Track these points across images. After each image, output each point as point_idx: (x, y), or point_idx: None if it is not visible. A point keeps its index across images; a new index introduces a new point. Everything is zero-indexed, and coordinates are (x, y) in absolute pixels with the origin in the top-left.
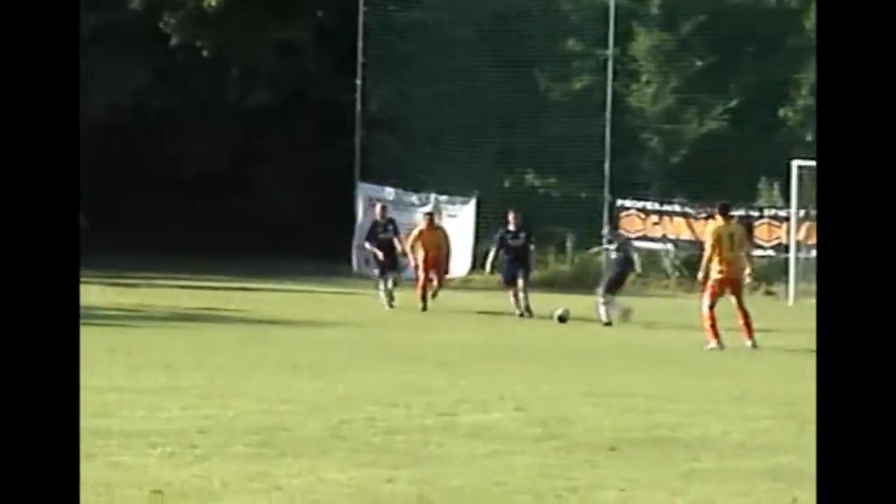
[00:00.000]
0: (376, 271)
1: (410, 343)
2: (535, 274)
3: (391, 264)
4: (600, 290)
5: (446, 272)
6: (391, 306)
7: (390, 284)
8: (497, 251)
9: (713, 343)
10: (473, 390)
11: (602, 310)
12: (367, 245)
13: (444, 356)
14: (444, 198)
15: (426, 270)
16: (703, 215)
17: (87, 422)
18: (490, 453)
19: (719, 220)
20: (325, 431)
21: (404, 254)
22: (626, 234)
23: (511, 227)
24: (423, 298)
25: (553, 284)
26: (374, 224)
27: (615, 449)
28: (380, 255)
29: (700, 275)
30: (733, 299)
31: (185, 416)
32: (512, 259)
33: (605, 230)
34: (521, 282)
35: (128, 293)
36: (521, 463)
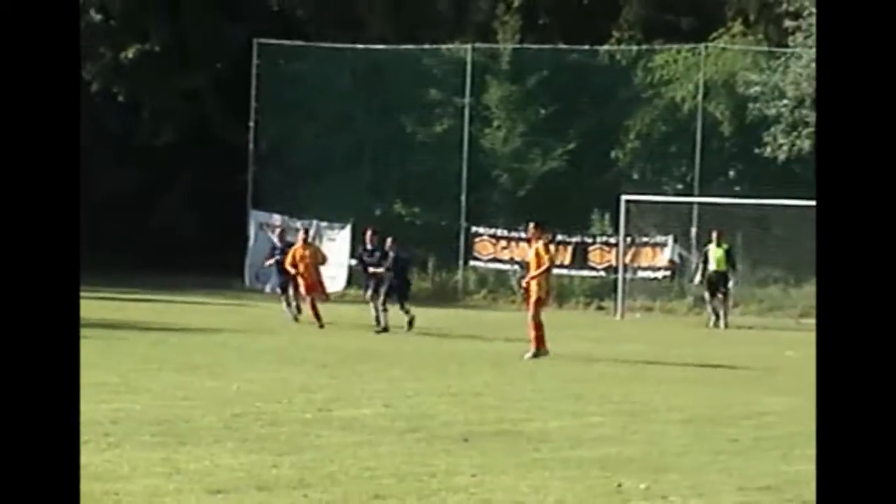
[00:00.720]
0: (278, 289)
1: (293, 348)
2: None
3: (285, 282)
4: (381, 298)
5: (321, 283)
6: (297, 320)
7: (292, 300)
8: (364, 267)
9: (543, 350)
10: (347, 389)
11: (382, 316)
12: (267, 263)
13: (322, 360)
14: (324, 223)
15: (308, 292)
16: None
17: None
18: (361, 443)
19: (544, 239)
20: (219, 423)
21: (286, 270)
22: (405, 249)
23: (368, 246)
24: (317, 317)
25: (415, 299)
26: (273, 247)
27: (468, 440)
28: (278, 271)
29: (533, 287)
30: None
31: (99, 410)
32: (370, 277)
33: (389, 240)
34: (380, 299)
35: None
36: (388, 452)
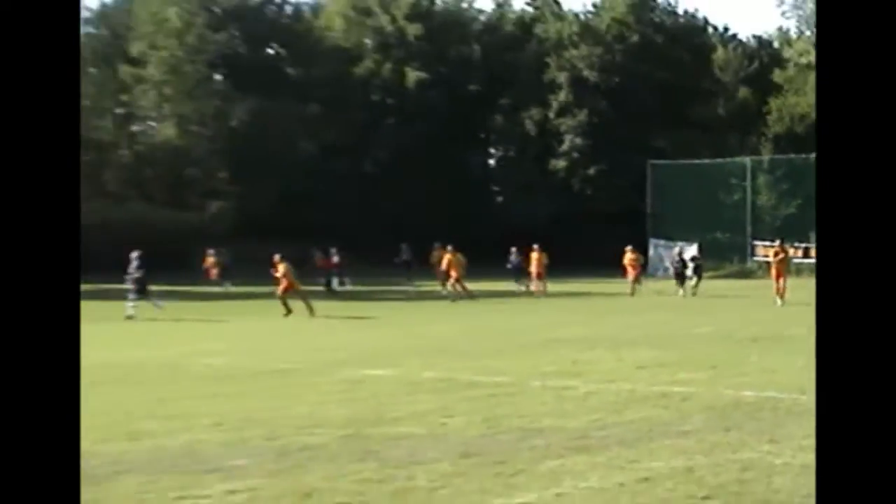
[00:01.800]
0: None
1: (659, 303)
2: (718, 272)
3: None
4: (675, 280)
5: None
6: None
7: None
8: (677, 267)
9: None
10: (691, 321)
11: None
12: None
13: (672, 308)
14: (684, 243)
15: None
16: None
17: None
18: (705, 344)
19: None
20: (615, 338)
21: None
22: (683, 256)
23: (681, 256)
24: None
25: (726, 276)
26: (673, 260)
27: (756, 341)
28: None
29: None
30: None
31: (524, 331)
32: (677, 273)
33: (676, 249)
34: (689, 284)
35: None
36: (716, 348)
